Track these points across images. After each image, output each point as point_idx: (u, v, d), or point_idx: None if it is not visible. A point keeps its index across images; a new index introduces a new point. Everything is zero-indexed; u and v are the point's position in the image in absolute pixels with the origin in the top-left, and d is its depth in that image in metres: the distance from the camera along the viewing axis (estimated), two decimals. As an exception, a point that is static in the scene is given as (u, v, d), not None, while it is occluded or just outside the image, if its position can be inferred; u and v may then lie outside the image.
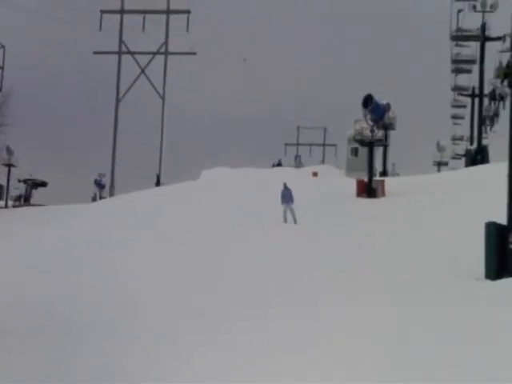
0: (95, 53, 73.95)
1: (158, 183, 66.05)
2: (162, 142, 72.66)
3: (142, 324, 17.01)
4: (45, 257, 28.63)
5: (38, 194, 79.17)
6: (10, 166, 76.81)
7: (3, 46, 15.95)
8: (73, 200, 61.33)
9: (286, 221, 32.64)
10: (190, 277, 22.50)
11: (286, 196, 33.07)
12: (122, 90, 74.20)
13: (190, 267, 23.89)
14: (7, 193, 78.49)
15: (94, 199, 67.98)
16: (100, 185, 73.07)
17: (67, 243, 31.27)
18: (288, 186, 33.69)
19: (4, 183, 78.68)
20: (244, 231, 29.84)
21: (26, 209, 68.46)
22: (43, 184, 79.40)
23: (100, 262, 26.07)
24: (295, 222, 32.40)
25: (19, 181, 78.92)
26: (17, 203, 76.02)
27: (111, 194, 69.10)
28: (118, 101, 73.63)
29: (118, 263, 25.65)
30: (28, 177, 78.20)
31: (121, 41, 73.84)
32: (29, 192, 78.64)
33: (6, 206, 73.58)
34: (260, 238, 28.53)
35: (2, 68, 15.82)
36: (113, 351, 14.73)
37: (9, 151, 75.86)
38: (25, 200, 77.90)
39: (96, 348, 15.10)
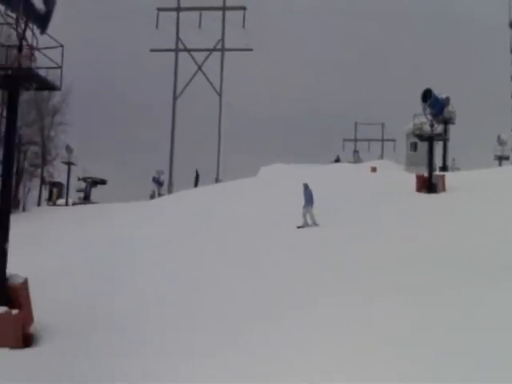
0: (152, 50, 74.57)
1: (196, 180, 65.59)
2: (219, 139, 72.92)
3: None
4: (88, 255, 29.08)
5: (97, 192, 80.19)
6: (69, 164, 78.04)
7: (62, 46, 16.24)
8: (132, 197, 61.93)
9: (307, 223, 30.68)
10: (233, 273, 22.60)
11: (307, 197, 31.07)
12: (179, 87, 74.67)
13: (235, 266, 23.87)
14: (67, 190, 79.64)
15: (152, 196, 68.36)
16: (158, 182, 73.45)
17: (118, 240, 31.63)
18: (309, 186, 31.63)
19: (64, 181, 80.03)
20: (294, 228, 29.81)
21: (84, 206, 69.54)
22: (103, 182, 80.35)
23: (141, 260, 26.44)
24: (315, 224, 30.53)
25: (79, 179, 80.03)
26: (76, 201, 77.13)
27: (169, 192, 69.51)
28: (175, 98, 74.08)
29: (158, 262, 25.84)
30: (87, 175, 79.31)
31: (177, 38, 74.28)
32: (88, 190, 79.67)
33: (67, 204, 74.75)
34: (310, 234, 28.30)
35: (61, 67, 16.10)
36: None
37: (68, 149, 77.18)
38: (84, 198, 78.95)
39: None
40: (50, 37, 18.52)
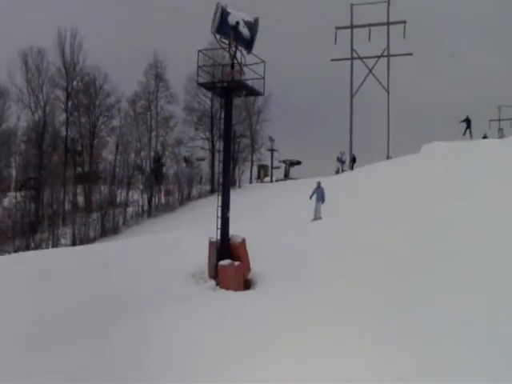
0: (332, 60, 74.53)
1: (353, 163, 63.59)
2: (388, 125, 71.90)
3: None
4: (297, 218, 29.02)
5: (294, 170, 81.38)
6: (272, 150, 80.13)
7: (264, 61, 16.84)
8: (321, 174, 62.28)
9: (316, 218, 28.29)
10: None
11: (318, 195, 28.61)
12: (355, 87, 74.32)
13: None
14: (272, 170, 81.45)
15: (336, 172, 68.19)
16: (341, 161, 73.22)
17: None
18: (321, 185, 29.10)
19: (269, 163, 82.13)
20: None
21: (285, 182, 70.85)
22: (298, 163, 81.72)
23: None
24: (319, 217, 28.21)
25: (279, 161, 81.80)
26: (279, 178, 78.92)
27: (351, 168, 69.22)
28: (352, 96, 73.69)
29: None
30: (286, 158, 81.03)
31: (352, 49, 73.85)
32: (287, 169, 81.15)
33: (271, 181, 76.67)
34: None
35: (264, 78, 16.74)
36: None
37: (271, 139, 79.33)
38: (284, 175, 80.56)
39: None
40: (255, 55, 18.88)
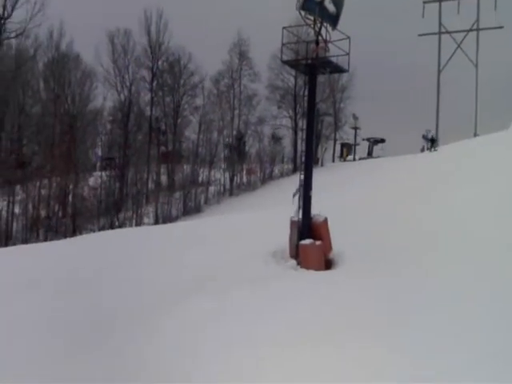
0: (420, 35, 73.20)
1: (432, 143, 61.53)
2: (476, 102, 70.43)
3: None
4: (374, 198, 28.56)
5: (378, 149, 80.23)
6: (356, 128, 79.63)
7: (349, 37, 16.76)
8: (405, 152, 61.55)
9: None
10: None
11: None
12: (442, 62, 72.82)
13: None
14: (355, 149, 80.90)
15: (422, 150, 67.08)
16: (427, 139, 72.05)
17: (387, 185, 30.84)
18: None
19: (352, 142, 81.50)
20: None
21: (368, 161, 70.21)
22: (382, 141, 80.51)
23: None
24: None
25: (363, 139, 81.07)
26: (362, 157, 78.21)
27: (430, 150, 67.92)
28: (439, 72, 72.35)
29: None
30: (369, 136, 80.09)
31: (440, 23, 72.40)
32: (371, 148, 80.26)
33: (354, 159, 76.17)
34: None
35: (348, 54, 16.65)
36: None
37: (354, 117, 78.77)
38: (368, 154, 79.77)
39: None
40: (339, 31, 18.71)
